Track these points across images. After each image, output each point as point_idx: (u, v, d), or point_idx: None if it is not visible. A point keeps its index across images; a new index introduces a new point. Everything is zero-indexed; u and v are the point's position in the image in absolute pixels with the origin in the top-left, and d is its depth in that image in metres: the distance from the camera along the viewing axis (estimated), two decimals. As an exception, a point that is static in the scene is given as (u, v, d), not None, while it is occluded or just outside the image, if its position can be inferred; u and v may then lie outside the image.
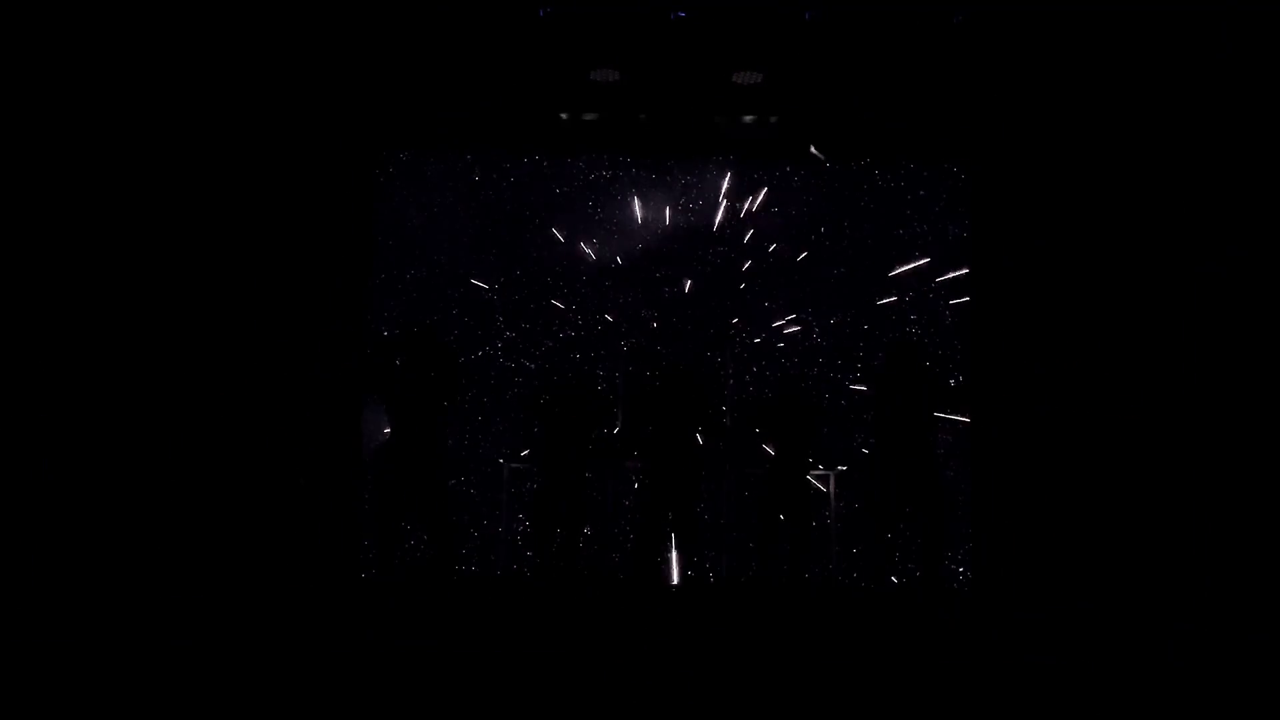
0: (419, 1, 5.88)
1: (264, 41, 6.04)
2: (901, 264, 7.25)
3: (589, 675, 3.74)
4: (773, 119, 6.88)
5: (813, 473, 6.57)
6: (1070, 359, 6.12)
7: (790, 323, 7.30)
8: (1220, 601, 5.23)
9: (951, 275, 7.12)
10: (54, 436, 5.62)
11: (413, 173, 7.49)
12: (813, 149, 6.00)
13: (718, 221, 7.45)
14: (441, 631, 4.49)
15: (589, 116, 6.91)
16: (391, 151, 7.47)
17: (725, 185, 7.45)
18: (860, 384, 7.17)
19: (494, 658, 3.88)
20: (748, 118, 6.88)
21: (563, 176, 7.51)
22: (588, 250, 7.45)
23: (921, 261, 7.20)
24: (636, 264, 7.47)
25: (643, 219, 7.46)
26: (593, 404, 6.24)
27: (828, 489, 6.82)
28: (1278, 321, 5.44)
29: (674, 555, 6.19)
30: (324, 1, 5.88)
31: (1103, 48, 5.88)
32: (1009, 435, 6.44)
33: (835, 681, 3.75)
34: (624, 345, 7.21)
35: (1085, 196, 6.16)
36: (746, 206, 7.44)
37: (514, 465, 6.99)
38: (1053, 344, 6.23)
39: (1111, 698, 3.64)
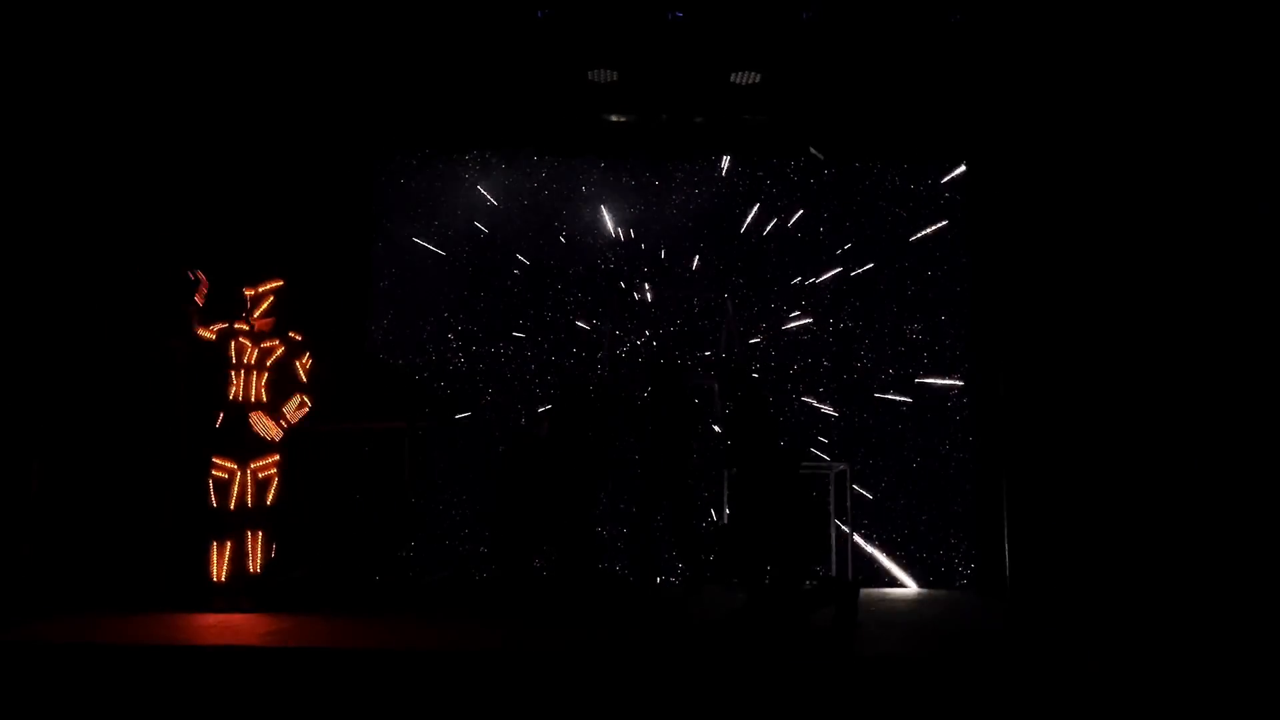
0: (417, 4, 5.88)
1: (264, 46, 6.04)
2: (897, 261, 7.27)
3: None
4: (770, 118, 6.88)
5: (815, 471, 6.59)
6: (1071, 355, 6.12)
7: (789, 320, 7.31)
8: (1224, 600, 5.22)
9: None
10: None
11: (412, 174, 7.50)
12: (811, 149, 6.02)
13: (715, 221, 7.46)
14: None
15: (588, 116, 6.92)
16: (391, 153, 7.49)
17: (723, 185, 7.46)
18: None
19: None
20: (746, 116, 6.88)
21: (562, 176, 7.52)
22: (587, 251, 7.47)
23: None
24: (632, 264, 7.49)
25: (640, 219, 7.47)
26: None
27: (829, 488, 6.81)
28: (1276, 317, 5.44)
29: None
30: (322, 5, 5.87)
31: (1101, 45, 5.88)
32: (1010, 434, 6.44)
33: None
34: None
35: (1083, 192, 6.15)
36: (744, 205, 7.46)
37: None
38: (1053, 341, 6.22)
39: (1113, 698, 3.64)
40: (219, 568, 5.18)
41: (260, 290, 5.57)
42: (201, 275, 5.48)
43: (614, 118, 6.90)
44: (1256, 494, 5.34)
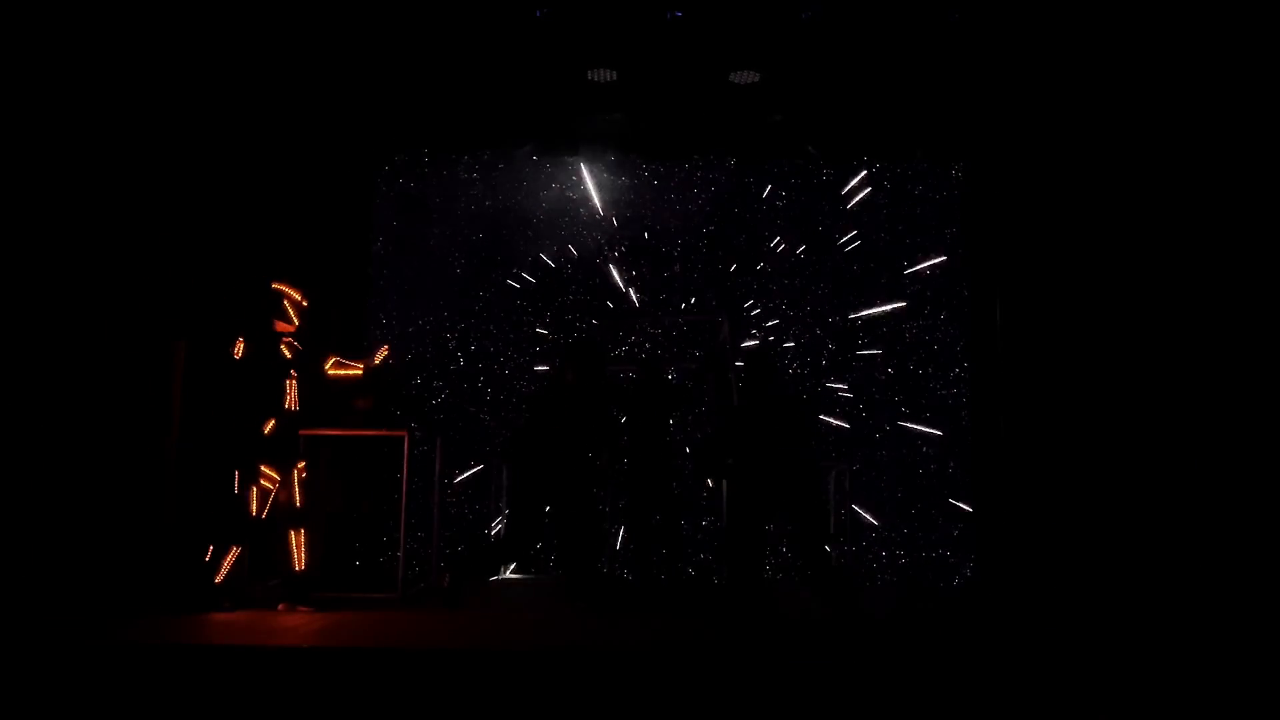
0: (416, 5, 5.87)
1: (264, 48, 6.02)
2: (906, 262, 7.29)
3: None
4: (771, 117, 6.89)
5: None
6: (1069, 356, 6.12)
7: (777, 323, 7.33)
8: (1223, 601, 5.23)
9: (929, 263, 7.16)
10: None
11: (412, 175, 7.52)
12: (810, 149, 6.09)
13: (713, 220, 7.48)
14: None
15: (586, 116, 6.93)
16: (391, 153, 7.50)
17: (721, 184, 7.47)
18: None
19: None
20: (745, 117, 6.89)
21: (562, 176, 7.53)
22: (585, 249, 7.48)
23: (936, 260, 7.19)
24: (632, 263, 7.50)
25: (639, 218, 7.49)
26: None
27: (830, 486, 6.82)
28: (1276, 318, 5.44)
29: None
30: (321, 6, 5.86)
31: (1101, 43, 5.88)
32: (1009, 435, 6.45)
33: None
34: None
35: (1083, 190, 6.15)
36: (743, 205, 7.47)
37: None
38: (1051, 342, 6.23)
39: (1113, 696, 3.65)
40: (223, 572, 5.18)
41: (309, 303, 5.57)
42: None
43: (613, 117, 6.91)
44: (1255, 492, 5.35)
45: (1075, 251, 6.11)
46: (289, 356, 5.42)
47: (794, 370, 7.30)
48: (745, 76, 6.39)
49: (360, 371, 5.58)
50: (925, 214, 7.31)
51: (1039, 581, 5.95)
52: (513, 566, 6.99)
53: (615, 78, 6.41)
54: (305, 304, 5.54)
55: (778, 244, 7.40)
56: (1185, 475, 5.58)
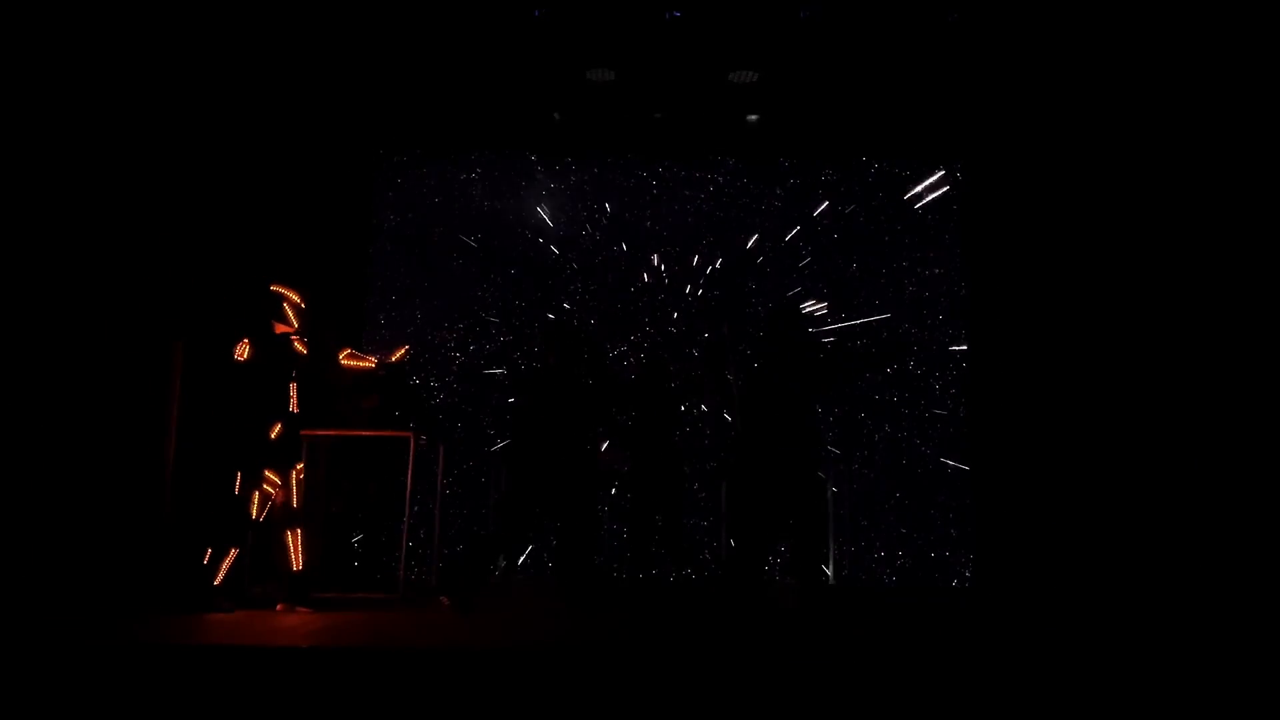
0: (415, 5, 5.87)
1: (263, 49, 6.02)
2: (898, 258, 7.28)
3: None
4: (770, 117, 6.89)
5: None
6: (1067, 356, 6.12)
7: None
8: (1220, 601, 5.23)
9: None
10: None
11: (411, 175, 7.52)
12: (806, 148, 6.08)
13: (713, 220, 7.48)
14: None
15: (585, 117, 6.94)
16: (390, 153, 7.51)
17: (721, 184, 7.48)
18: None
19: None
20: (744, 116, 6.90)
21: (560, 177, 7.53)
22: (584, 249, 7.48)
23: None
24: (633, 264, 7.50)
25: (638, 218, 7.49)
26: None
27: (827, 484, 6.81)
28: (1275, 319, 5.44)
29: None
30: (321, 7, 5.86)
31: (1100, 43, 5.88)
32: (1008, 434, 6.44)
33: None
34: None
35: (1080, 190, 6.16)
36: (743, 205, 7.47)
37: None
38: (1049, 341, 6.22)
39: (1110, 697, 3.65)
40: (221, 573, 5.17)
41: (307, 304, 5.55)
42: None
43: (613, 117, 6.91)
44: (1255, 494, 5.35)
45: (1075, 250, 6.11)
46: (295, 356, 5.41)
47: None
48: (744, 76, 6.40)
49: (374, 363, 5.59)
50: (925, 214, 7.31)
51: (1039, 581, 5.95)
52: (504, 565, 6.98)
53: (614, 78, 6.41)
54: (304, 305, 5.53)
55: (778, 244, 7.40)
56: (1185, 474, 5.58)
